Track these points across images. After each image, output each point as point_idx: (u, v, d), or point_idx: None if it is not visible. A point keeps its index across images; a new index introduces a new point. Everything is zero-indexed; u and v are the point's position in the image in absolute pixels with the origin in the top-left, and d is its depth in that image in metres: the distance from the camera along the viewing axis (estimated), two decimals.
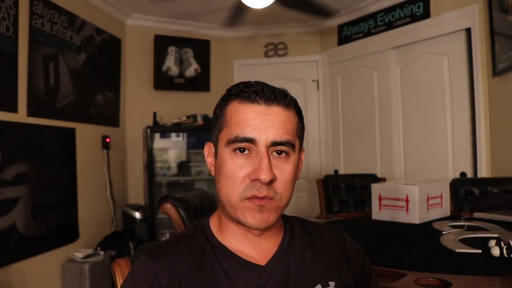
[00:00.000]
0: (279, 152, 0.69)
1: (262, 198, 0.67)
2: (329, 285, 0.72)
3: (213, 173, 0.75)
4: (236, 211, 0.68)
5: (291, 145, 0.69)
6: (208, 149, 0.76)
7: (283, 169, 0.69)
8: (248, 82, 0.72)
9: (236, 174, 0.67)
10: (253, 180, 0.66)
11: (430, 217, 1.86)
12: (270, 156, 0.68)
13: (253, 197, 0.67)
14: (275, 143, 0.68)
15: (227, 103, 0.72)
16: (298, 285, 0.70)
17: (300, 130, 0.74)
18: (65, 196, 2.84)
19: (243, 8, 2.98)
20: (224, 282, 0.67)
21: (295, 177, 0.72)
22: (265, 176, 0.65)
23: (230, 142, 0.68)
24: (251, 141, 0.67)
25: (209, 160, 0.76)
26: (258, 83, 0.71)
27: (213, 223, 0.76)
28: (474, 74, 2.79)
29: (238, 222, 0.70)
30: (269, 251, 0.73)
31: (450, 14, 2.93)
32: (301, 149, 0.76)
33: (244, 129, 0.67)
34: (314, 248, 0.76)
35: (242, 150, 0.68)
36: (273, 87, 0.71)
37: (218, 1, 3.30)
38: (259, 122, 0.67)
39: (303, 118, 0.76)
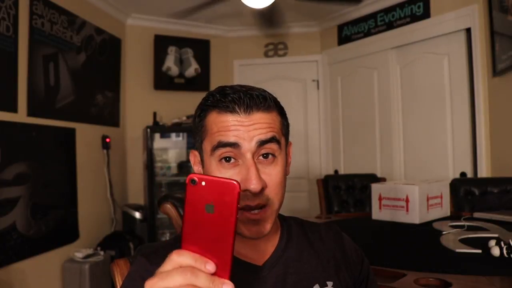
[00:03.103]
0: (265, 156, 0.67)
1: (255, 206, 0.65)
2: (327, 285, 0.71)
3: None
4: None
5: (277, 141, 0.68)
6: (194, 157, 0.75)
7: (271, 173, 0.67)
8: (224, 89, 0.69)
9: None
10: (243, 191, 0.64)
11: (430, 217, 1.86)
12: (256, 161, 0.66)
13: (246, 207, 0.65)
14: (262, 142, 0.66)
15: (206, 114, 0.69)
16: (295, 285, 0.70)
17: (284, 128, 0.73)
18: (65, 196, 2.84)
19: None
20: None
21: (285, 175, 0.71)
22: (254, 187, 0.63)
23: (214, 148, 0.66)
24: (234, 145, 0.65)
25: (196, 168, 0.74)
26: (234, 90, 0.67)
27: None
28: (474, 74, 2.79)
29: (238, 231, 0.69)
30: (266, 251, 0.73)
31: (450, 14, 2.93)
32: (287, 145, 0.75)
33: (226, 135, 0.65)
34: (312, 248, 0.76)
35: (228, 159, 0.66)
36: (250, 92, 0.68)
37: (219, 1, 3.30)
38: (242, 128, 0.65)
39: (286, 115, 0.75)
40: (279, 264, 0.71)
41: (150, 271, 0.65)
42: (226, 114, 0.66)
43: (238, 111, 0.66)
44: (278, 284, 0.69)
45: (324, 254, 0.76)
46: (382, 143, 3.49)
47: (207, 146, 0.68)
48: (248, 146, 0.65)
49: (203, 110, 0.70)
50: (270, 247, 0.73)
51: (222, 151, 0.65)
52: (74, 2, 2.94)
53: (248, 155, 0.65)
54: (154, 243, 0.77)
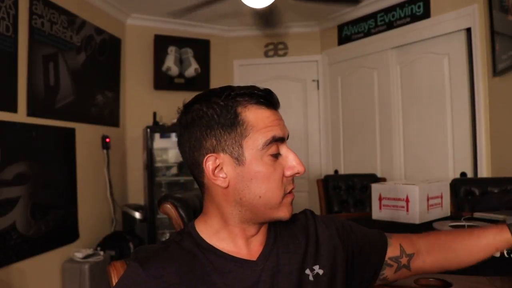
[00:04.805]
0: None
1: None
2: (314, 269, 0.75)
3: (225, 185, 0.70)
4: (275, 210, 0.72)
5: None
6: (214, 161, 0.70)
7: None
8: (237, 87, 0.72)
9: (276, 175, 0.70)
10: (288, 176, 0.72)
11: (430, 217, 1.86)
12: None
13: (292, 190, 0.74)
14: (287, 136, 0.74)
15: (239, 109, 0.69)
16: (288, 275, 0.73)
17: None
18: (65, 196, 2.84)
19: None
20: (218, 283, 0.68)
21: None
22: (302, 168, 0.72)
23: (268, 143, 0.69)
24: (283, 140, 0.72)
25: (217, 172, 0.70)
26: (253, 87, 0.72)
27: (201, 227, 0.76)
28: (474, 74, 2.79)
29: (265, 221, 0.74)
30: (257, 247, 0.75)
31: (450, 14, 2.93)
32: None
33: (277, 130, 0.71)
34: (296, 238, 0.79)
35: (278, 154, 0.71)
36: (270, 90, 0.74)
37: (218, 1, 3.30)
38: (281, 123, 0.72)
39: None
40: (271, 257, 0.74)
41: (142, 277, 0.66)
42: (265, 109, 0.71)
43: (272, 106, 0.72)
44: (273, 275, 0.72)
45: (307, 239, 0.79)
46: (382, 143, 3.49)
47: (254, 141, 0.69)
48: (286, 139, 0.73)
49: (232, 106, 0.69)
50: (260, 242, 0.76)
51: (275, 145, 0.70)
52: (74, 2, 2.94)
53: (287, 145, 0.73)
54: (150, 247, 0.77)
